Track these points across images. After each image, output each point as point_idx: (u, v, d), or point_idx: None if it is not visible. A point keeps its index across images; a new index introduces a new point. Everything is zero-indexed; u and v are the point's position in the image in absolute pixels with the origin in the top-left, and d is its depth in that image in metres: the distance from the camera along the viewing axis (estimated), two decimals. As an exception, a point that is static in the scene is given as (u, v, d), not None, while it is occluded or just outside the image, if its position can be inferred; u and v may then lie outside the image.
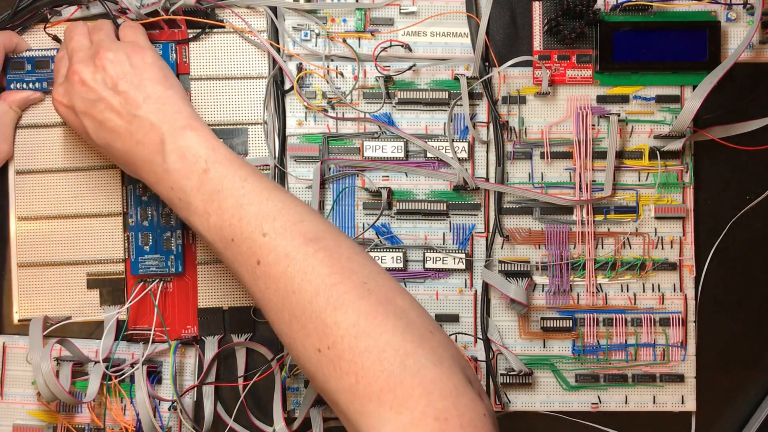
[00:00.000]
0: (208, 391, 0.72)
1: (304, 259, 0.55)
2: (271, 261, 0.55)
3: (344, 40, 0.71)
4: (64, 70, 0.65)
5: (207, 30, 0.71)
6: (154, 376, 0.72)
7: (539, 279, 0.73)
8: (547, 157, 0.72)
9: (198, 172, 0.59)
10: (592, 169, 0.72)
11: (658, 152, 0.72)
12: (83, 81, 0.62)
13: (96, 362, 0.70)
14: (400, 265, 0.72)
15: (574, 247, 0.72)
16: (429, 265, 0.72)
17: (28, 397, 0.72)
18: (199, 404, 0.72)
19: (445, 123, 0.72)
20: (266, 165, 0.72)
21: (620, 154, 0.72)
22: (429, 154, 0.72)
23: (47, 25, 0.71)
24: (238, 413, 0.73)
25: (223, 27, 0.71)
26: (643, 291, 0.73)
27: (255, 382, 0.72)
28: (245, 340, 0.73)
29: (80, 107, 0.62)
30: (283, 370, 0.71)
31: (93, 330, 0.73)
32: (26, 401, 0.72)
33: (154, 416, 0.71)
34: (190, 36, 0.72)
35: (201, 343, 0.73)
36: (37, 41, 0.72)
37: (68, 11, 0.72)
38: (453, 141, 0.71)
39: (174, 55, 0.72)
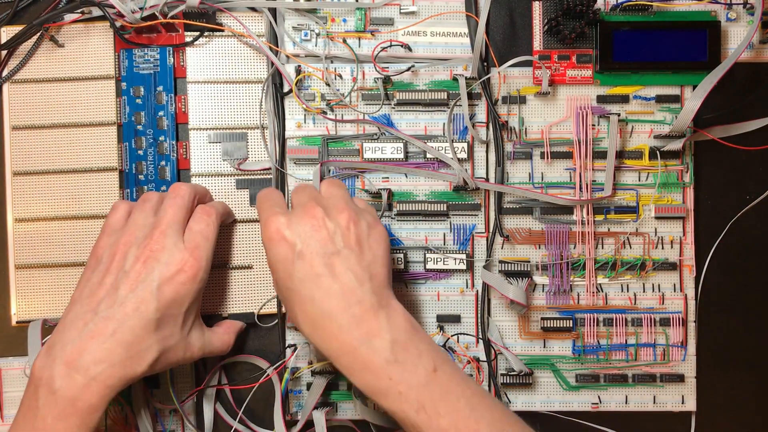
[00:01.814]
0: (209, 397, 0.73)
1: None
2: None
3: (344, 40, 0.71)
4: (302, 204, 0.62)
5: (207, 33, 0.71)
6: (151, 380, 0.72)
7: (539, 279, 0.73)
8: (547, 157, 0.72)
9: (426, 368, 0.58)
10: (592, 169, 0.72)
11: (658, 152, 0.72)
12: (323, 227, 0.60)
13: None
14: (401, 267, 0.72)
15: (574, 247, 0.72)
16: (430, 266, 0.72)
17: (29, 416, 0.72)
18: (199, 409, 0.73)
19: (444, 123, 0.71)
20: (267, 168, 0.72)
21: (620, 154, 0.72)
22: (428, 155, 0.71)
23: (47, 25, 0.71)
24: (238, 422, 0.73)
25: (222, 30, 0.71)
26: (643, 291, 0.73)
27: (255, 390, 0.72)
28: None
29: (304, 249, 0.59)
30: (284, 375, 0.71)
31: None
32: (27, 422, 0.72)
33: (155, 421, 0.71)
34: (189, 39, 0.71)
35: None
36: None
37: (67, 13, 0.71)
38: (453, 141, 0.71)
39: (171, 59, 0.72)
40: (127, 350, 0.59)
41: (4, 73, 0.72)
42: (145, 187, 0.72)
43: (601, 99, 0.72)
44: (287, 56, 0.71)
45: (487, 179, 0.72)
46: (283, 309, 0.72)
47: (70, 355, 0.58)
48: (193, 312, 0.63)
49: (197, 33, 0.71)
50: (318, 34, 0.71)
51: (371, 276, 0.60)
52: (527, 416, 0.72)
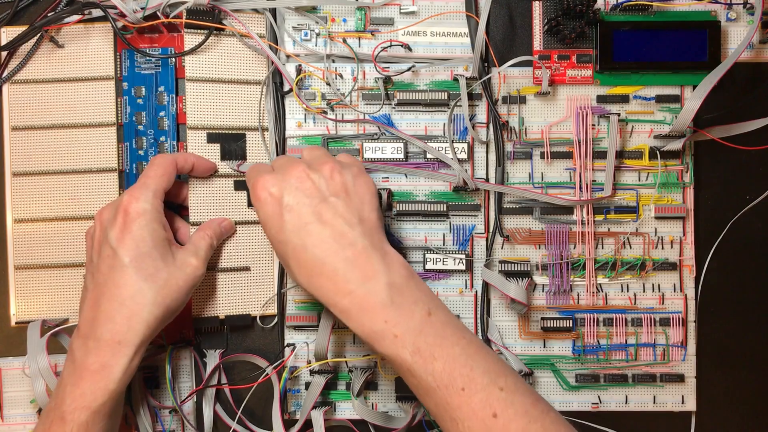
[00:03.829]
0: (208, 397, 0.72)
1: (542, 418, 0.57)
2: (510, 415, 0.56)
3: (344, 40, 0.71)
4: (285, 164, 0.63)
5: (214, 32, 0.70)
6: (150, 380, 0.72)
7: (539, 279, 0.73)
8: (547, 157, 0.72)
9: (421, 313, 0.58)
10: (592, 169, 0.72)
11: (658, 152, 0.72)
12: (307, 179, 0.61)
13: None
14: (401, 267, 0.72)
15: (574, 247, 0.72)
16: (429, 266, 0.72)
17: (29, 416, 0.73)
18: (199, 409, 0.73)
19: (444, 124, 0.71)
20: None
21: (620, 154, 0.72)
22: (429, 155, 0.71)
23: (47, 27, 0.71)
24: (237, 422, 0.73)
25: (224, 29, 0.71)
26: (643, 291, 0.73)
27: (254, 389, 0.73)
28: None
29: (291, 201, 0.60)
30: (282, 375, 0.71)
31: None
32: (27, 421, 0.73)
33: (155, 421, 0.71)
34: (194, 43, 0.70)
35: (197, 347, 0.73)
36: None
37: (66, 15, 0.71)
38: (453, 142, 0.71)
39: (173, 59, 0.72)
40: (121, 303, 0.61)
41: (4, 73, 0.72)
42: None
43: (601, 99, 0.72)
44: (287, 56, 0.71)
45: (487, 179, 0.72)
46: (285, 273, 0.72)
47: (83, 328, 0.62)
48: (164, 243, 0.64)
49: (202, 33, 0.70)
50: (318, 34, 0.71)
51: (361, 219, 0.61)
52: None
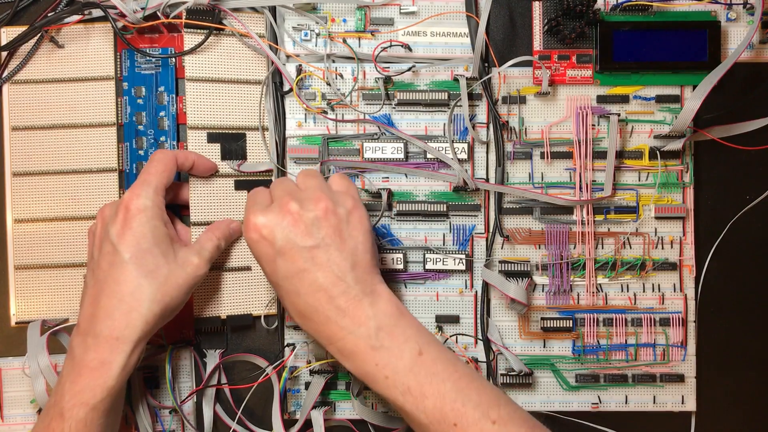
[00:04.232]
0: (208, 397, 0.72)
1: None
2: None
3: (344, 40, 0.71)
4: (279, 199, 0.62)
5: (214, 32, 0.70)
6: (150, 380, 0.72)
7: (539, 279, 0.73)
8: (547, 157, 0.72)
9: (411, 353, 0.59)
10: (592, 169, 0.72)
11: (658, 152, 0.72)
12: (300, 221, 0.60)
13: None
14: (401, 267, 0.72)
15: (574, 247, 0.72)
16: (429, 266, 0.72)
17: (29, 416, 0.73)
18: (199, 409, 0.73)
19: (444, 124, 0.71)
20: (266, 171, 0.72)
21: (620, 154, 0.72)
22: (429, 155, 0.71)
23: (47, 28, 0.71)
24: (237, 422, 0.73)
25: (224, 29, 0.71)
26: (643, 291, 0.73)
27: (254, 389, 0.73)
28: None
29: (284, 246, 0.60)
30: (282, 375, 0.71)
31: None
32: (27, 421, 0.73)
33: (155, 421, 0.71)
34: (194, 43, 0.70)
35: (197, 347, 0.73)
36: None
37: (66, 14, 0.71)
38: (453, 142, 0.71)
39: (173, 59, 0.72)
40: (121, 300, 0.61)
41: (4, 73, 0.72)
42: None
43: (601, 99, 0.72)
44: (287, 56, 0.71)
45: (487, 179, 0.72)
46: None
47: (82, 325, 0.62)
48: (165, 240, 0.64)
49: (202, 33, 0.70)
50: (318, 34, 0.71)
51: (354, 264, 0.60)
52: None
